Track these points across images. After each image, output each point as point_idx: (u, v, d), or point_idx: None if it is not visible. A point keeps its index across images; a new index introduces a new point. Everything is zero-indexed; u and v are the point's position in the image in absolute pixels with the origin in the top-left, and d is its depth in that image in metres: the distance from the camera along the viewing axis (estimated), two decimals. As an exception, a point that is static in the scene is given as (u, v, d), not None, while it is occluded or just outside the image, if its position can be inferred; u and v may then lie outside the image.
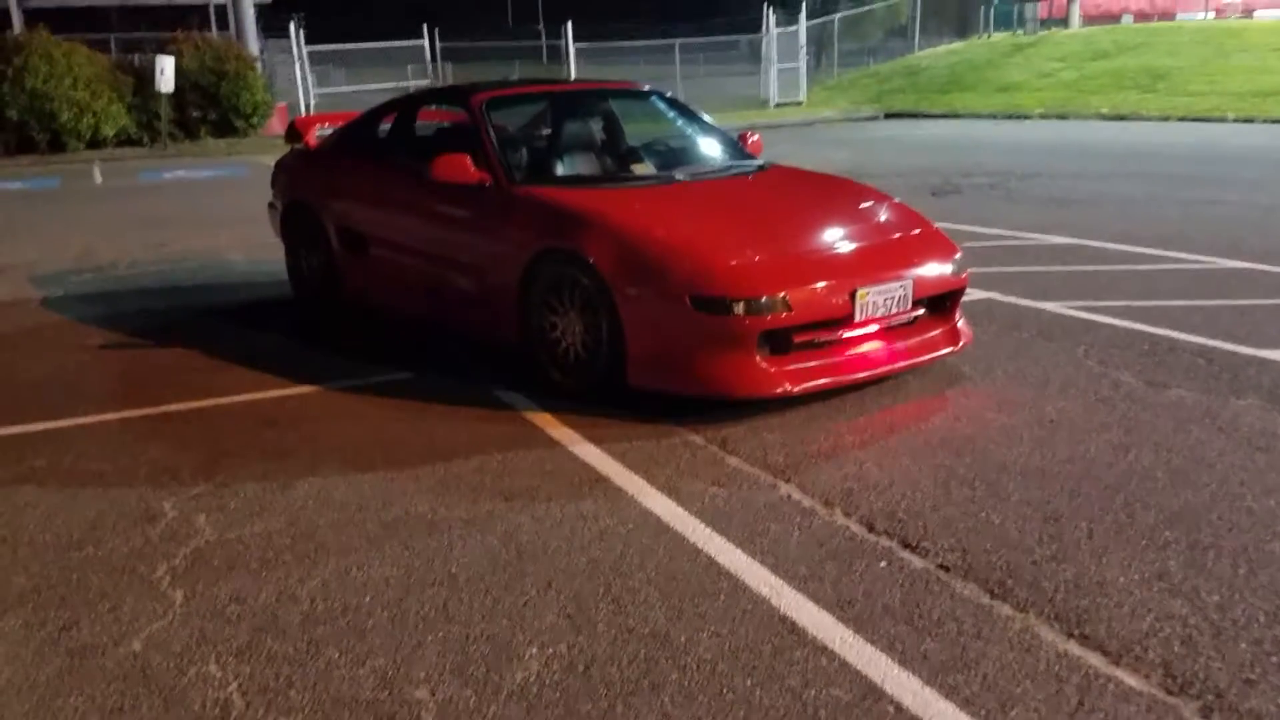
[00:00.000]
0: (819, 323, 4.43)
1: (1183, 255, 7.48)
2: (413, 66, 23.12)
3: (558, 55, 25.58)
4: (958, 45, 30.78)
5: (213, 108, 20.45)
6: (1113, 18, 34.76)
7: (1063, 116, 20.99)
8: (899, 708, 2.49)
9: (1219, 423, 4.24)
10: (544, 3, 43.68)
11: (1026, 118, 21.37)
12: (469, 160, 5.17)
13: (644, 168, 5.84)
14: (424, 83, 21.96)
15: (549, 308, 4.78)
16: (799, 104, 25.36)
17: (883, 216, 5.17)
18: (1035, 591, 2.98)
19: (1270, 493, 3.58)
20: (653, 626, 2.87)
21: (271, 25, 23.56)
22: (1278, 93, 19.39)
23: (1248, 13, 32.53)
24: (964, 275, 4.93)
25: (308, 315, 6.63)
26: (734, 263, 4.42)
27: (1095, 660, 2.65)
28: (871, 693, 2.55)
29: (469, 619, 2.94)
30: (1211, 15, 32.54)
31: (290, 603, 3.05)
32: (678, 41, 26.92)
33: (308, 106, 21.22)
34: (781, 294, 4.29)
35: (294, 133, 7.18)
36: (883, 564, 3.19)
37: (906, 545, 3.30)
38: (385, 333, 6.03)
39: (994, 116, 21.92)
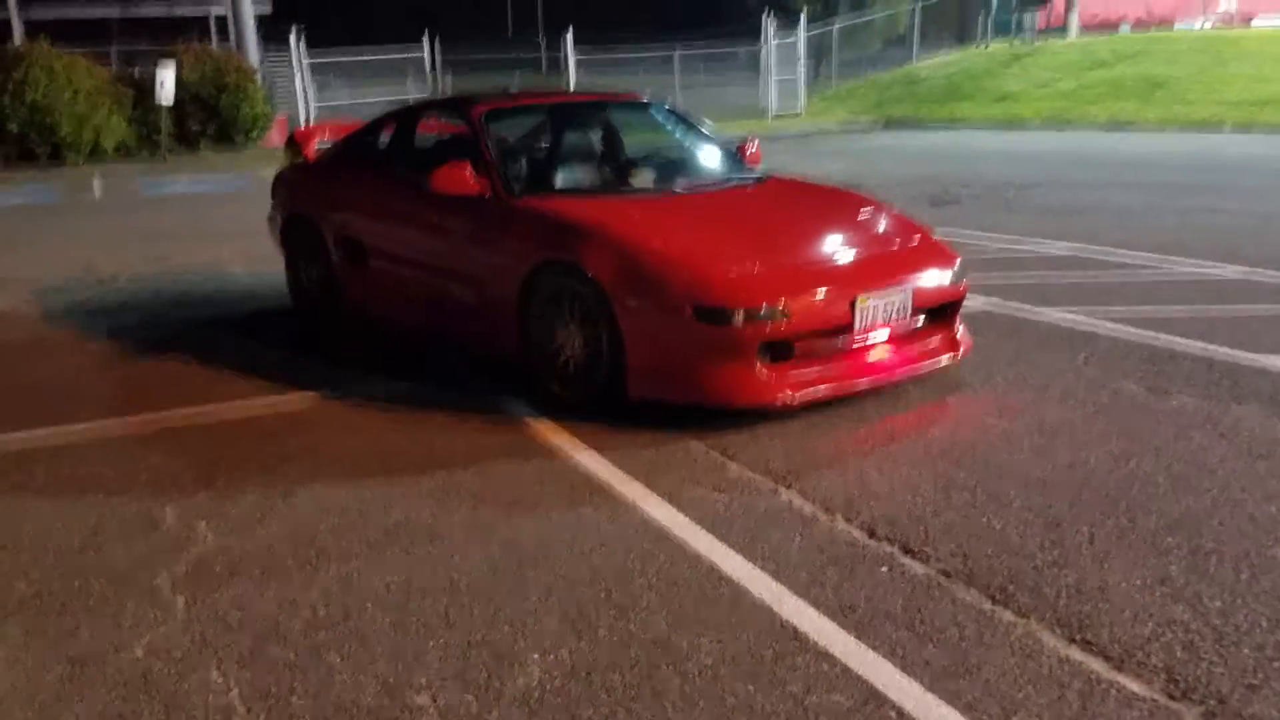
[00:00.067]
0: (819, 332, 4.44)
1: (1182, 263, 7.50)
2: (413, 77, 23.18)
3: (557, 66, 25.63)
4: (956, 55, 30.83)
5: (213, 120, 20.47)
6: (1111, 26, 34.83)
7: (1061, 126, 21.04)
8: (901, 714, 2.49)
9: (1220, 429, 4.25)
10: (544, 13, 43.82)
11: (1025, 127, 21.42)
12: (468, 172, 5.18)
13: (643, 179, 5.85)
14: (424, 93, 22.01)
15: (548, 319, 4.78)
16: (798, 114, 25.41)
17: (882, 226, 5.18)
18: (1037, 597, 2.99)
19: (1271, 499, 3.59)
20: (654, 633, 2.87)
21: (271, 36, 23.62)
22: (1276, 101, 19.42)
23: (1246, 21, 32.61)
24: (963, 284, 4.94)
25: (308, 326, 6.64)
26: (733, 273, 4.43)
27: (1097, 666, 2.65)
28: (873, 699, 2.55)
29: (470, 626, 2.94)
30: (1210, 24, 32.61)
31: (291, 609, 3.05)
32: (677, 52, 26.97)
33: (308, 118, 21.26)
34: (781, 304, 4.29)
35: (293, 145, 7.20)
36: (884, 570, 3.19)
37: (908, 551, 3.30)
38: (385, 344, 6.04)
39: (993, 126, 21.97)
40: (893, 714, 2.49)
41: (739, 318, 4.25)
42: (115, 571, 3.32)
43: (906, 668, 2.67)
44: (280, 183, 7.13)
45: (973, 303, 5.84)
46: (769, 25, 25.27)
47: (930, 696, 2.55)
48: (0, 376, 5.75)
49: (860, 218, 5.28)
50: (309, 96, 22.00)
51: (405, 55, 23.30)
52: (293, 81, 22.00)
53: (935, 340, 4.85)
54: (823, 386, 4.44)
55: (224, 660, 2.79)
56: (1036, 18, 32.96)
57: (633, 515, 3.63)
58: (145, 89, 19.37)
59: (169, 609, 3.07)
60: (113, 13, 32.20)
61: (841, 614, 2.93)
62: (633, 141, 6.44)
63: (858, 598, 3.02)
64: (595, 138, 6.26)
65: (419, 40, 23.24)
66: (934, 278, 4.80)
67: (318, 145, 7.10)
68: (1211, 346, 5.32)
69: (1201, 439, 4.15)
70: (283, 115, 21.66)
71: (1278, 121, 18.28)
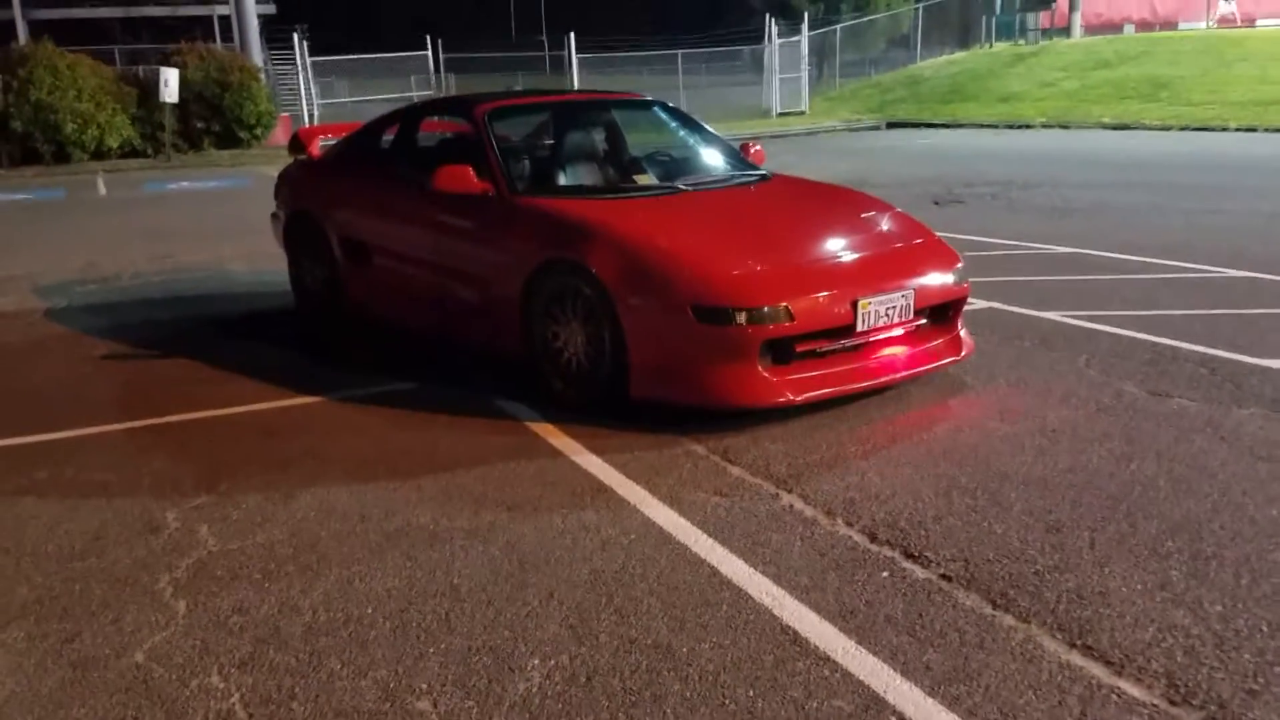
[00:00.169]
0: (821, 332, 4.44)
1: (1185, 264, 7.49)
2: (416, 77, 23.21)
3: (560, 66, 25.66)
4: (959, 55, 30.84)
5: (216, 119, 20.52)
6: (1114, 27, 34.79)
7: (1064, 126, 21.03)
8: (901, 718, 2.48)
9: (1221, 432, 4.24)
10: (547, 13, 43.82)
11: (1028, 127, 21.40)
12: (471, 171, 5.19)
13: (646, 178, 5.85)
14: (427, 93, 22.03)
15: (551, 318, 4.79)
16: (801, 114, 25.43)
17: (884, 226, 5.18)
18: (1038, 602, 2.98)
19: (1273, 502, 3.58)
20: (655, 637, 2.87)
21: (275, 36, 23.65)
22: (1279, 102, 19.40)
23: (1249, 22, 32.57)
24: (966, 284, 4.93)
25: (310, 326, 6.64)
26: (736, 273, 4.43)
27: (1098, 671, 2.65)
28: (874, 704, 2.54)
29: (471, 630, 2.94)
30: (1214, 24, 32.56)
31: (293, 614, 3.05)
32: (680, 52, 27.00)
33: (311, 117, 21.31)
34: (783, 304, 4.29)
35: (297, 144, 7.21)
36: (885, 574, 3.19)
37: (909, 555, 3.30)
38: (388, 343, 6.04)
39: (996, 126, 21.95)
40: (893, 719, 2.48)
41: (741, 318, 4.25)
42: (116, 575, 3.33)
43: (907, 672, 2.66)
44: (284, 181, 7.14)
45: (975, 304, 5.84)
46: (772, 26, 25.28)
47: (931, 701, 2.54)
48: (1, 378, 5.77)
49: (863, 218, 5.27)
50: (312, 96, 22.04)
51: (409, 55, 23.34)
52: (296, 81, 22.04)
53: (937, 341, 4.85)
54: (825, 388, 4.44)
55: (225, 664, 2.80)
56: (1039, 18, 32.95)
57: (634, 518, 3.63)
58: (149, 88, 19.44)
59: (170, 613, 3.08)
60: (116, 13, 32.26)
61: (842, 618, 2.93)
62: (636, 141, 6.44)
63: (859, 602, 3.02)
64: (598, 137, 6.25)
65: (422, 40, 23.26)
66: (936, 278, 4.80)
67: (321, 144, 7.10)
68: (1213, 349, 5.31)
69: (1203, 442, 4.14)
70: (286, 115, 21.69)
71: (1281, 122, 18.26)
